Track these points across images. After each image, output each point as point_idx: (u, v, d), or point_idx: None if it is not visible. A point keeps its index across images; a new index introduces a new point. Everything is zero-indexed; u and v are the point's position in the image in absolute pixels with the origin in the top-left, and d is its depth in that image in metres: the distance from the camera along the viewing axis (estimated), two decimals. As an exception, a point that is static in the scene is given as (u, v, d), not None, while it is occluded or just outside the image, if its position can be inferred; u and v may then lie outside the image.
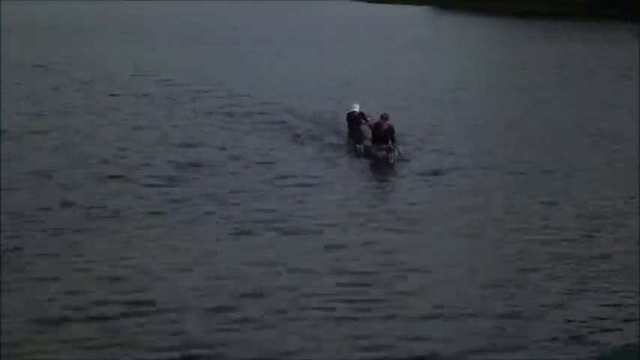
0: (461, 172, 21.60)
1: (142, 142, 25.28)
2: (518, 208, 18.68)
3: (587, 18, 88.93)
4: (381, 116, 22.61)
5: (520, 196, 19.62)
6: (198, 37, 64.82)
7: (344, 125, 25.60)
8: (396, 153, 21.61)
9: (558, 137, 27.27)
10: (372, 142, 22.28)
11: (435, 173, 20.98)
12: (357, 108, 25.20)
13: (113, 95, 34.69)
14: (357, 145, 22.66)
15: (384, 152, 21.42)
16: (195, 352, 11.53)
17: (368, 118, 24.71)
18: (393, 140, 22.01)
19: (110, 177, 20.67)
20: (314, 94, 35.99)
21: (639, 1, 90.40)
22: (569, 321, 12.69)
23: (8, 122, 27.73)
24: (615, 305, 13.42)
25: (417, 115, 30.37)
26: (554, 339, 12.07)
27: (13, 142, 24.74)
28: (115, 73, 41.08)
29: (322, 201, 18.96)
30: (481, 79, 44.12)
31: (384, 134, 22.00)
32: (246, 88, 36.60)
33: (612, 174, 22.14)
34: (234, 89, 36.44)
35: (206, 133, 26.88)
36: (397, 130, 23.14)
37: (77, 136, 25.99)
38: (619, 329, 12.54)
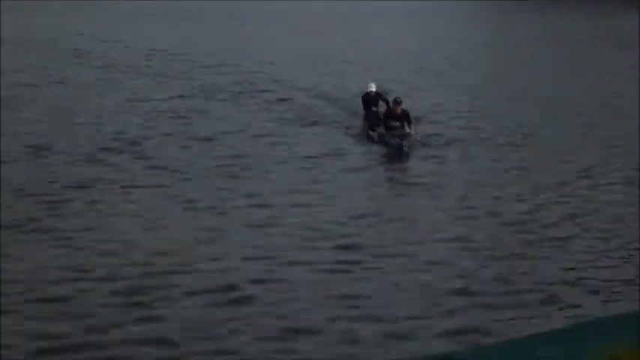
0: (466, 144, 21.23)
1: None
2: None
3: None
4: (394, 100, 21.05)
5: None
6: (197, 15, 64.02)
7: (359, 106, 23.48)
8: (412, 139, 19.99)
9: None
10: (385, 129, 20.47)
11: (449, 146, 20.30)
12: (373, 88, 22.98)
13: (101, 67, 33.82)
14: (371, 132, 20.82)
15: (398, 140, 19.71)
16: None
17: (386, 97, 22.83)
18: (409, 123, 20.44)
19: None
20: (311, 67, 33.95)
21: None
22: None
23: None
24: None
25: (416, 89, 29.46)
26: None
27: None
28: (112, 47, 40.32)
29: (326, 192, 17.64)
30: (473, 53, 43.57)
31: (398, 119, 20.35)
32: (250, 64, 34.83)
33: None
34: (234, 63, 34.78)
35: (209, 111, 25.28)
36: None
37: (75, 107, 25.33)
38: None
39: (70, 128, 22.38)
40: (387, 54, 38.86)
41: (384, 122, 20.44)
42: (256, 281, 12.84)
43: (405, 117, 20.33)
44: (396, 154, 19.80)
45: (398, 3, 66.04)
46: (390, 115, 20.49)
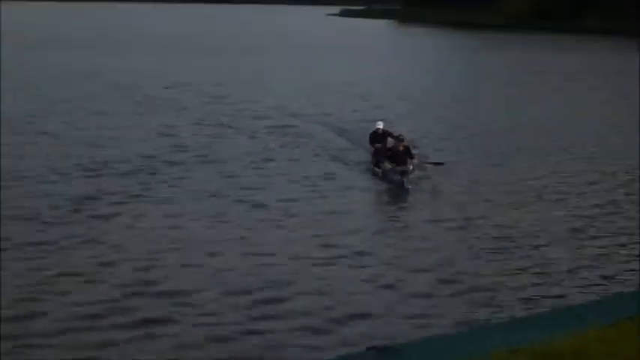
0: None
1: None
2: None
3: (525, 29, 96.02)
4: (397, 137, 21.22)
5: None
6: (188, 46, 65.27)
7: (366, 143, 22.99)
8: (413, 176, 20.02)
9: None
10: (389, 165, 20.42)
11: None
12: (381, 125, 22.90)
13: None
14: (375, 169, 20.85)
15: (399, 176, 19.74)
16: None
17: (395, 135, 21.99)
18: (411, 158, 20.62)
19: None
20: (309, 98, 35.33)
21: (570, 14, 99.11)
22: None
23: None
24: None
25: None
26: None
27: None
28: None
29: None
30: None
31: (401, 156, 20.48)
32: (255, 94, 36.03)
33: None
34: (241, 95, 35.84)
35: (215, 141, 25.00)
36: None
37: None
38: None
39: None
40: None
41: (388, 159, 20.58)
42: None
43: (406, 153, 20.65)
44: (398, 190, 19.57)
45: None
46: (393, 152, 20.73)
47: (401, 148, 20.54)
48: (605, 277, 13.81)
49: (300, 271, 13.88)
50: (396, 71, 51.31)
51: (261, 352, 10.88)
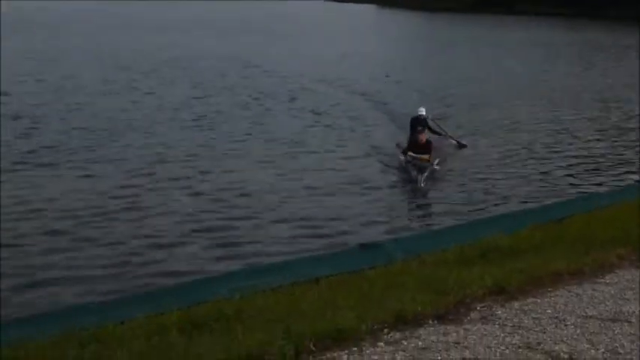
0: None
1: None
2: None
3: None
4: (418, 130, 17.35)
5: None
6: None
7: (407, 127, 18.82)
8: (430, 171, 15.88)
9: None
10: (412, 154, 16.65)
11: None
12: (423, 112, 18.84)
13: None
14: (401, 157, 16.89)
15: (416, 172, 15.77)
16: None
17: (431, 124, 18.85)
18: (430, 153, 16.64)
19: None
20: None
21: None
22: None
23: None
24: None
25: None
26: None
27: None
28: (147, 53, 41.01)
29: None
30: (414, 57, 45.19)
31: (422, 148, 16.68)
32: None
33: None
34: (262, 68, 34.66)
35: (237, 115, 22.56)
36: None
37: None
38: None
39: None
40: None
41: (411, 149, 16.83)
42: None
43: (427, 146, 16.83)
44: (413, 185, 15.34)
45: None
46: (415, 142, 16.97)
47: (423, 140, 16.94)
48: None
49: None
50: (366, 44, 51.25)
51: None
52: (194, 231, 11.62)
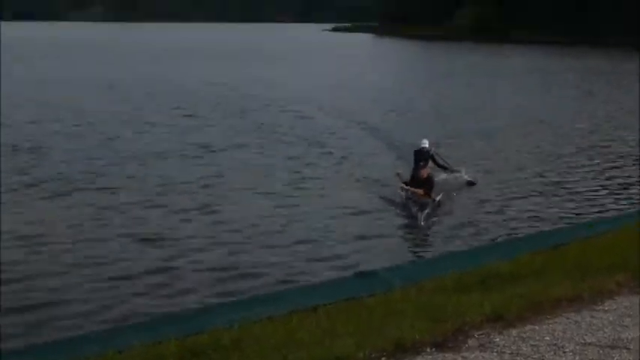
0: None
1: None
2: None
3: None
4: (420, 164, 16.63)
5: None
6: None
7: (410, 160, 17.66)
8: (431, 208, 14.95)
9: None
10: (413, 188, 15.72)
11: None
12: (426, 144, 17.78)
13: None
14: (400, 192, 15.90)
15: (416, 209, 14.79)
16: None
17: (436, 157, 17.90)
18: (431, 189, 15.66)
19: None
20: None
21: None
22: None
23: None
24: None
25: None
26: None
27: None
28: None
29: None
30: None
31: (423, 184, 15.75)
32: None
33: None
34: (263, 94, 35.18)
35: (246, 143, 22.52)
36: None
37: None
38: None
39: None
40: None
41: (412, 183, 15.88)
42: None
43: (428, 182, 15.80)
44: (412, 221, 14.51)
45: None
46: (416, 178, 15.99)
47: (424, 175, 15.99)
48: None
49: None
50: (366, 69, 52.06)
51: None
52: (194, 261, 11.61)
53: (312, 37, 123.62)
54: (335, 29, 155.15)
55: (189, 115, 28.36)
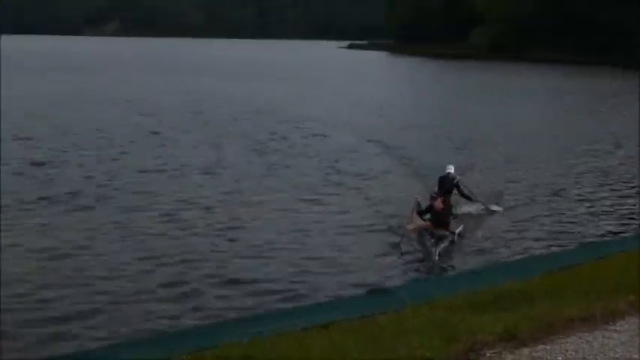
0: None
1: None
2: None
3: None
4: (435, 195, 15.14)
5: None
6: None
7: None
8: (445, 244, 13.64)
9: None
10: (429, 221, 14.61)
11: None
12: (451, 170, 16.93)
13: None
14: (416, 219, 14.82)
15: (430, 245, 13.44)
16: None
17: (461, 186, 16.71)
18: (447, 225, 14.45)
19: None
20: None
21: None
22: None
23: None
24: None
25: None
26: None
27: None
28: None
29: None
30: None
31: (439, 216, 14.55)
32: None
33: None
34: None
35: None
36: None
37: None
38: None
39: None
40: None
41: (428, 213, 14.79)
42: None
43: (443, 214, 14.56)
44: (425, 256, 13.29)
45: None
46: (432, 208, 14.78)
47: (439, 207, 14.61)
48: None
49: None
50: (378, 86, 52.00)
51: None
52: (207, 276, 11.64)
53: (328, 53, 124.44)
54: (351, 46, 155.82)
55: (205, 124, 28.55)
